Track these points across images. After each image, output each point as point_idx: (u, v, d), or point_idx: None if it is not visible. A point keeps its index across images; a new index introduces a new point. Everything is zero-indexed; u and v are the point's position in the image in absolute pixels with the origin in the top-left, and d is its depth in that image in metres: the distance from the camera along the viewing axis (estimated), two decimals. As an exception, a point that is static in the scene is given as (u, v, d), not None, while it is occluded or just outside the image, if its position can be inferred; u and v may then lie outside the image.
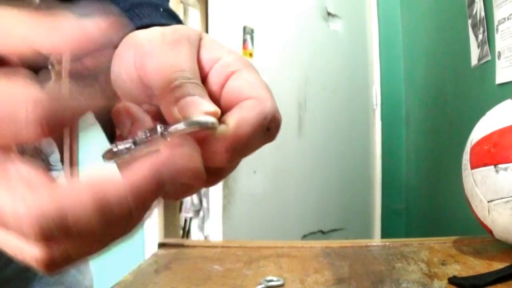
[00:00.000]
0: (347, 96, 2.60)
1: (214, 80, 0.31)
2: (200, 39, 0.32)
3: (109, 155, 0.26)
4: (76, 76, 0.28)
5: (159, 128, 0.25)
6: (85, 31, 0.24)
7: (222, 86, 0.30)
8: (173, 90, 0.27)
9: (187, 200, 2.63)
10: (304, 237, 2.36)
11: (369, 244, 0.77)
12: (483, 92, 1.62)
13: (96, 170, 0.23)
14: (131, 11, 0.40)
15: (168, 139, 0.25)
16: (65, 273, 0.59)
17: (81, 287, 0.61)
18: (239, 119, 0.28)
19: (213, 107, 0.27)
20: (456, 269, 0.61)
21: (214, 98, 0.30)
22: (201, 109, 0.27)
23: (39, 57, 0.25)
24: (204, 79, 0.31)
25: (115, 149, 0.25)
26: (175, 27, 0.33)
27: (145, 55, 0.30)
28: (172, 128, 0.25)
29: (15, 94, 0.23)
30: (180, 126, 0.25)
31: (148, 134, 0.26)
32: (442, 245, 0.73)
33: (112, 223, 0.23)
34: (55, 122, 0.23)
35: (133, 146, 0.25)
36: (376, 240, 2.22)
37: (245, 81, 0.30)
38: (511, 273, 0.56)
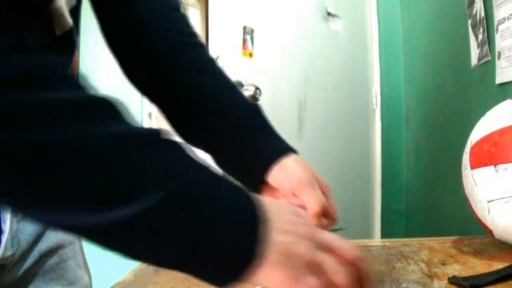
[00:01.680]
0: (347, 96, 2.60)
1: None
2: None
3: None
4: None
5: None
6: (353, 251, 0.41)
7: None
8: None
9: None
10: (304, 237, 2.36)
11: (369, 244, 0.77)
12: (483, 92, 1.62)
13: None
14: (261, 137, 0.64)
15: None
16: (67, 269, 0.59)
17: (82, 283, 0.61)
18: None
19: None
20: (456, 269, 0.61)
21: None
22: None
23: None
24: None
25: None
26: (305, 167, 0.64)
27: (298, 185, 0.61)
28: None
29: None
30: None
31: None
32: (442, 245, 0.73)
33: None
34: None
35: None
36: (376, 240, 2.22)
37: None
38: (511, 273, 0.56)
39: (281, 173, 0.60)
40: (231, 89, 0.63)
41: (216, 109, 0.61)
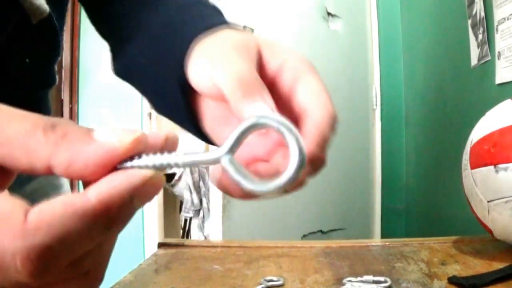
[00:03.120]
0: (347, 96, 2.60)
1: (284, 83, 0.34)
2: (257, 45, 0.35)
3: (123, 165, 0.24)
4: None
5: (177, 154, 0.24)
6: (112, 151, 0.22)
7: (291, 89, 0.33)
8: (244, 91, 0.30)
9: (187, 200, 2.63)
10: (304, 237, 2.36)
11: (369, 244, 0.77)
12: (483, 92, 1.62)
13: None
14: (187, 10, 0.41)
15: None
16: None
17: None
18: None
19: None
20: (456, 269, 0.61)
21: (284, 99, 0.33)
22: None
23: (43, 173, 0.22)
24: (273, 81, 0.34)
25: (130, 164, 0.23)
26: (237, 37, 0.35)
27: (217, 64, 0.32)
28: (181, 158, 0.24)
29: (3, 229, 0.20)
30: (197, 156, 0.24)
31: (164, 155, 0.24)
32: (442, 245, 0.73)
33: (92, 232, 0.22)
34: (52, 270, 0.21)
35: (148, 165, 0.23)
36: (376, 240, 2.22)
37: (311, 92, 0.33)
38: (511, 273, 0.56)
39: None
40: None
41: None
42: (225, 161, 0.24)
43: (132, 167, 0.23)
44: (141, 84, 0.45)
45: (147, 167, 0.23)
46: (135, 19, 0.45)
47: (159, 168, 0.23)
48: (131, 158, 0.23)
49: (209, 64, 0.33)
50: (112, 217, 0.21)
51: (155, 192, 0.23)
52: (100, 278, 0.24)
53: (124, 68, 0.46)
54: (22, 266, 0.20)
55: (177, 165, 0.24)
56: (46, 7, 0.44)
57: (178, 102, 0.37)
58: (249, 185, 0.24)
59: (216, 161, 0.24)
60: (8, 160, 0.22)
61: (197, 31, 0.36)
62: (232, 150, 0.24)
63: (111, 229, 0.22)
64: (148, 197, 0.23)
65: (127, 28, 0.46)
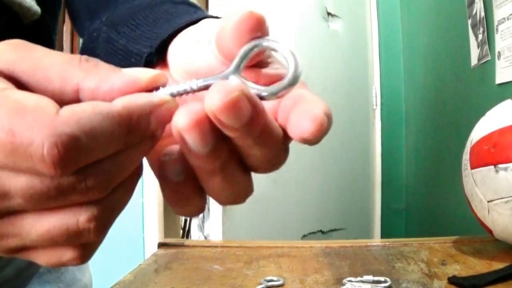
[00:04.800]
0: (347, 96, 2.60)
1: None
2: None
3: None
4: None
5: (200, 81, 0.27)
6: (135, 82, 0.25)
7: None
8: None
9: (187, 200, 2.63)
10: (304, 237, 2.36)
11: (369, 244, 0.77)
12: (483, 92, 1.62)
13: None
14: (160, 9, 0.39)
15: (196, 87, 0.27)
16: (64, 271, 0.59)
17: (80, 284, 0.61)
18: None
19: None
20: (456, 269, 0.61)
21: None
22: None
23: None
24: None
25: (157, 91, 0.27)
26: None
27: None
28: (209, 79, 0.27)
29: (31, 123, 0.21)
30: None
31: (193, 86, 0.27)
32: (442, 245, 0.73)
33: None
34: (74, 165, 0.22)
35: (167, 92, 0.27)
36: (376, 240, 2.22)
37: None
38: (511, 273, 0.56)
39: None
40: None
41: None
42: (233, 78, 0.27)
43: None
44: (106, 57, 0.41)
45: (166, 95, 0.26)
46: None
47: (178, 94, 0.27)
48: (151, 90, 0.26)
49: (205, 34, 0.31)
50: (133, 124, 0.24)
51: (170, 117, 0.25)
52: (105, 197, 0.25)
53: (90, 38, 0.43)
54: (48, 153, 0.21)
55: (193, 90, 0.27)
56: (37, 8, 0.44)
57: None
58: (257, 90, 0.26)
59: (226, 79, 0.27)
60: (43, 84, 0.24)
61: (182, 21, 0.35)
62: (239, 68, 0.27)
63: (130, 135, 0.24)
64: (164, 120, 0.25)
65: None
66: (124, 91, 0.25)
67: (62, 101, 0.23)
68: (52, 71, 0.24)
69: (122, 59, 0.37)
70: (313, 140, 0.27)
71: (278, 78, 0.28)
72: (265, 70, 0.29)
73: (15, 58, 0.24)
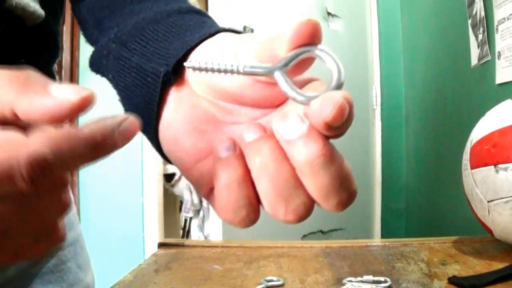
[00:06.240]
0: (347, 96, 2.60)
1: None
2: None
3: (191, 64, 0.29)
4: None
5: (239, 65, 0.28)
6: (62, 105, 0.25)
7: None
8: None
9: (187, 200, 2.63)
10: (304, 237, 2.36)
11: (369, 244, 0.77)
12: (483, 92, 1.62)
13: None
14: (168, 22, 0.38)
15: (241, 71, 0.28)
16: (67, 271, 0.59)
17: (83, 284, 0.61)
18: None
19: None
20: (456, 269, 0.61)
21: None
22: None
23: (15, 121, 0.26)
24: None
25: (197, 64, 0.29)
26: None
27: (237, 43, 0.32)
28: (248, 67, 0.28)
29: (8, 147, 0.24)
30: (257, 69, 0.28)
31: (229, 66, 0.28)
32: (442, 245, 0.73)
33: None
34: (49, 178, 0.25)
35: (213, 67, 0.29)
36: (376, 240, 2.22)
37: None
38: (511, 273, 0.56)
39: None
40: None
41: None
42: (278, 74, 0.28)
43: (199, 67, 0.29)
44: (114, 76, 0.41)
45: (212, 70, 0.28)
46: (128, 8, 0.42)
47: (222, 71, 0.28)
48: (82, 110, 0.26)
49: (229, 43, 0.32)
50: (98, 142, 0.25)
51: (132, 135, 0.26)
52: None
53: (99, 54, 0.42)
54: (26, 171, 0.23)
55: (238, 72, 0.28)
56: (41, 12, 0.44)
57: (153, 97, 0.36)
58: (295, 95, 0.27)
59: (271, 72, 0.28)
60: None
61: (199, 35, 0.35)
62: (286, 65, 0.28)
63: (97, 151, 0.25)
64: (126, 139, 0.26)
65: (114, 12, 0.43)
66: (55, 113, 0.25)
67: (9, 123, 0.26)
68: None
69: (137, 77, 0.37)
70: (336, 125, 0.28)
71: (304, 85, 0.30)
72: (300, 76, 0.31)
73: None
